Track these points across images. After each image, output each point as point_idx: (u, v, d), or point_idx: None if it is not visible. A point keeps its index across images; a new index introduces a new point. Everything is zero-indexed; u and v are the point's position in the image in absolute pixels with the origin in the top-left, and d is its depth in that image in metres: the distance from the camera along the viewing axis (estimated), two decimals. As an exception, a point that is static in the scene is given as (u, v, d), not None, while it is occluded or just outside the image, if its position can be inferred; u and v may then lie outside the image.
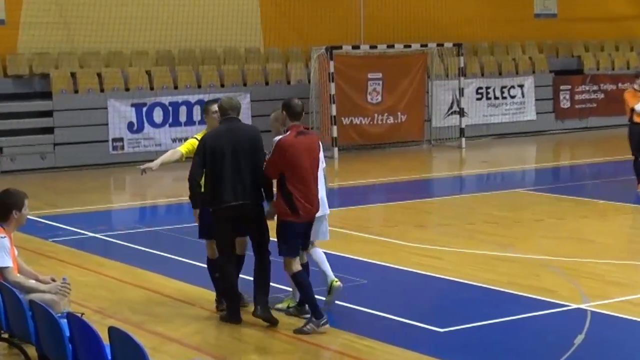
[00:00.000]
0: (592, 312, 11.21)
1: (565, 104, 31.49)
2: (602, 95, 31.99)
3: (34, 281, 9.35)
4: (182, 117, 26.29)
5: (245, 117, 26.42)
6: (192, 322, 10.96)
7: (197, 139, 11.30)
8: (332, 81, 26.50)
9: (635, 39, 34.84)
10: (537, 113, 31.13)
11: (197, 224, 11.21)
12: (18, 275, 9.22)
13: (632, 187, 19.04)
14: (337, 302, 11.20)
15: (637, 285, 12.35)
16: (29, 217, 9.75)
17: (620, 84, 32.54)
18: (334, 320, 10.76)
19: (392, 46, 27.81)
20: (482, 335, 10.69)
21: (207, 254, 11.36)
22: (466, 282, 12.88)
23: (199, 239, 11.31)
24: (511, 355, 10.01)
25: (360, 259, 13.81)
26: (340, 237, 14.96)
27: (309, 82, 27.76)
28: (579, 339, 10.11)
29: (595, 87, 32.14)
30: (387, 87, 27.84)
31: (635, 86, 18.62)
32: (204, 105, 11.65)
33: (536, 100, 31.15)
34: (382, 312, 11.12)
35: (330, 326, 10.51)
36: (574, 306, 11.40)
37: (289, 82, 28.20)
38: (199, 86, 26.96)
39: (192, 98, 26.41)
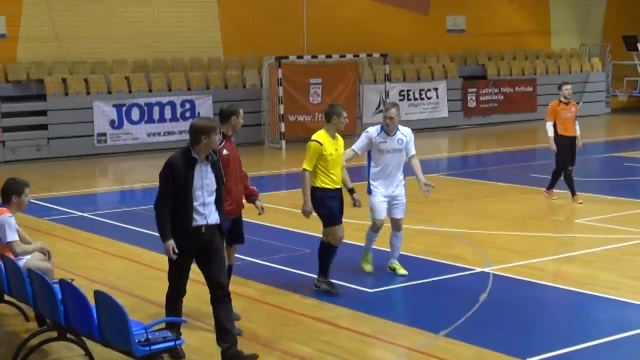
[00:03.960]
0: (493, 274, 11.31)
1: (472, 103, 31.66)
2: (502, 97, 32.19)
3: (31, 245, 9.50)
4: (156, 116, 26.12)
5: (207, 115, 26.47)
6: (166, 287, 10.87)
7: (318, 141, 10.53)
8: (280, 85, 26.44)
9: (529, 50, 35.10)
10: (449, 111, 31.27)
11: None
12: (21, 245, 9.30)
13: (526, 171, 19.18)
14: (286, 268, 11.27)
15: (531, 252, 12.46)
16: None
17: (516, 88, 32.84)
18: (284, 284, 10.78)
19: (330, 56, 27.82)
20: (404, 294, 10.75)
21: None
22: (392, 251, 12.93)
23: None
24: (428, 310, 10.07)
25: (307, 232, 13.77)
26: (291, 215, 14.95)
27: (261, 86, 27.70)
28: (483, 296, 10.19)
29: (496, 90, 32.34)
30: (325, 90, 27.84)
31: (561, 97, 16.34)
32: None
33: (448, 100, 31.28)
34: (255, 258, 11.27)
35: (280, 289, 10.53)
36: (479, 270, 11.50)
37: (244, 86, 28.08)
38: (170, 90, 26.80)
39: (164, 100, 26.27)
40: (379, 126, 11.25)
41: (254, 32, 28.78)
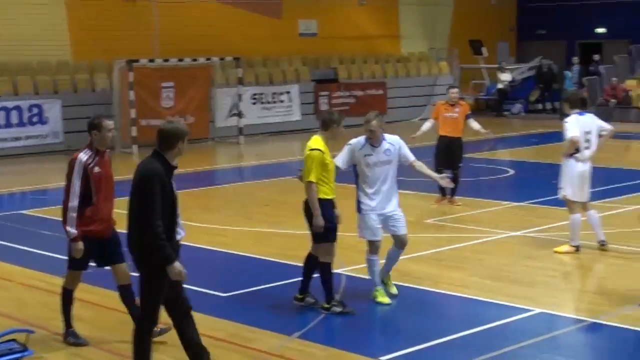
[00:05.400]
0: (346, 275, 11.41)
1: (324, 106, 31.86)
2: (353, 100, 32.58)
3: None
4: (2, 121, 25.28)
5: (56, 120, 25.88)
6: (12, 295, 10.55)
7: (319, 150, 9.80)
8: (132, 89, 26.05)
9: (379, 54, 35.68)
10: (302, 114, 31.45)
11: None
12: None
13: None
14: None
15: (382, 252, 12.54)
16: None
17: (367, 91, 33.31)
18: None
19: (182, 60, 27.61)
20: (258, 297, 10.72)
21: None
22: (246, 254, 12.91)
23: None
24: (282, 312, 10.07)
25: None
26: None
27: (112, 90, 27.21)
28: (337, 297, 10.25)
29: (347, 93, 32.73)
30: (178, 94, 27.61)
31: (448, 99, 16.50)
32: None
33: (301, 104, 31.47)
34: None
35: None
36: (334, 271, 11.57)
37: (94, 90, 27.57)
38: (16, 94, 26.06)
39: (10, 104, 25.42)
40: (362, 138, 10.26)
41: (104, 35, 28.28)
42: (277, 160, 24.40)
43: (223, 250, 13.06)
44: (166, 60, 27.49)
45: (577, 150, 12.47)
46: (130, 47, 27.92)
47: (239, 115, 28.45)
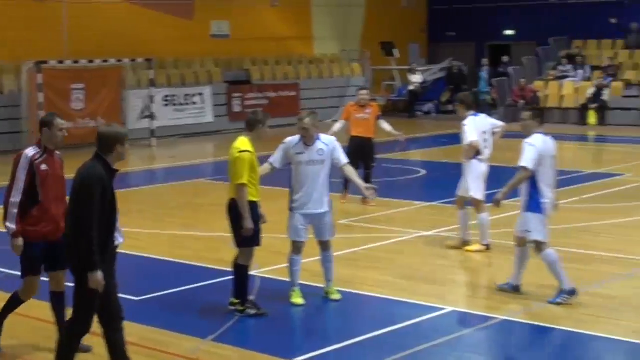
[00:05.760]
0: (261, 277, 11.42)
1: (237, 108, 31.80)
2: (266, 101, 32.53)
3: None
4: None
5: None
6: None
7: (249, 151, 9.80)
8: (41, 91, 25.60)
9: (291, 56, 35.73)
10: (215, 116, 31.30)
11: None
12: None
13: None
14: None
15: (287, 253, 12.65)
16: None
17: (280, 92, 33.32)
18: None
19: (92, 61, 27.27)
20: (172, 300, 10.66)
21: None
22: (160, 257, 12.82)
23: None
24: (196, 315, 10.03)
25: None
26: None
27: (20, 92, 26.71)
28: (251, 299, 10.24)
29: (261, 95, 32.68)
30: (88, 96, 27.19)
31: (358, 100, 16.60)
32: None
33: (214, 105, 31.31)
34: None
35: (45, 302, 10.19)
36: (252, 273, 11.57)
37: (2, 92, 26.99)
38: None
39: None
40: (297, 136, 10.28)
41: (10, 37, 27.69)
42: (190, 163, 24.26)
43: (136, 253, 12.92)
44: (76, 62, 27.09)
45: (479, 152, 12.74)
46: (39, 48, 27.40)
47: (151, 117, 28.21)
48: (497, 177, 13.08)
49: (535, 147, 10.16)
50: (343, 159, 10.38)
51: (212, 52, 33.23)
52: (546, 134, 10.42)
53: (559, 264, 10.28)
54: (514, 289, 10.66)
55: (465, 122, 12.72)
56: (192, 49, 32.36)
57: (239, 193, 9.63)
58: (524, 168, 10.15)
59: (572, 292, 10.23)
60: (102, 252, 7.22)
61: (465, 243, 13.06)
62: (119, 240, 7.79)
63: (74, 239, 7.20)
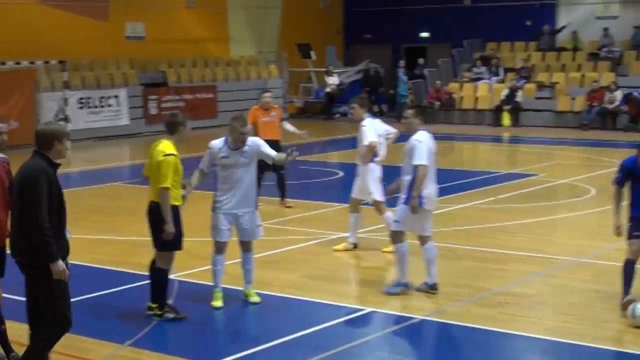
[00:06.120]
0: (179, 281, 11.33)
1: (153, 110, 31.57)
2: (183, 104, 32.33)
3: None
4: None
5: None
6: None
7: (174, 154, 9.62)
8: (-49, 94, 25.09)
9: (208, 58, 35.58)
10: (131, 119, 31.01)
11: None
12: None
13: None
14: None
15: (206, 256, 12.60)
16: None
17: (197, 94, 33.15)
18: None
19: (4, 63, 26.76)
20: (89, 306, 10.49)
21: None
22: (76, 262, 12.57)
23: None
24: (114, 321, 9.90)
25: None
26: None
27: None
28: (170, 302, 10.16)
29: (177, 97, 32.48)
30: (0, 98, 26.74)
31: (262, 104, 16.50)
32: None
33: (129, 108, 31.02)
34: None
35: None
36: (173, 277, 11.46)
37: None
38: None
39: None
40: (222, 139, 10.30)
41: None
42: (106, 166, 23.98)
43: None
44: (-15, 64, 26.62)
45: (375, 154, 12.90)
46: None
47: (66, 120, 27.79)
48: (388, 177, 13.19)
49: (424, 143, 10.52)
50: (270, 152, 10.38)
51: (128, 53, 32.91)
52: (428, 130, 10.75)
53: (407, 258, 10.78)
54: (431, 288, 10.81)
55: (364, 123, 12.89)
56: (107, 50, 32.01)
57: (162, 196, 9.52)
58: (422, 165, 10.41)
59: (406, 286, 10.79)
60: (59, 245, 7.23)
61: (356, 245, 13.25)
62: (68, 234, 7.73)
63: (23, 236, 7.16)
